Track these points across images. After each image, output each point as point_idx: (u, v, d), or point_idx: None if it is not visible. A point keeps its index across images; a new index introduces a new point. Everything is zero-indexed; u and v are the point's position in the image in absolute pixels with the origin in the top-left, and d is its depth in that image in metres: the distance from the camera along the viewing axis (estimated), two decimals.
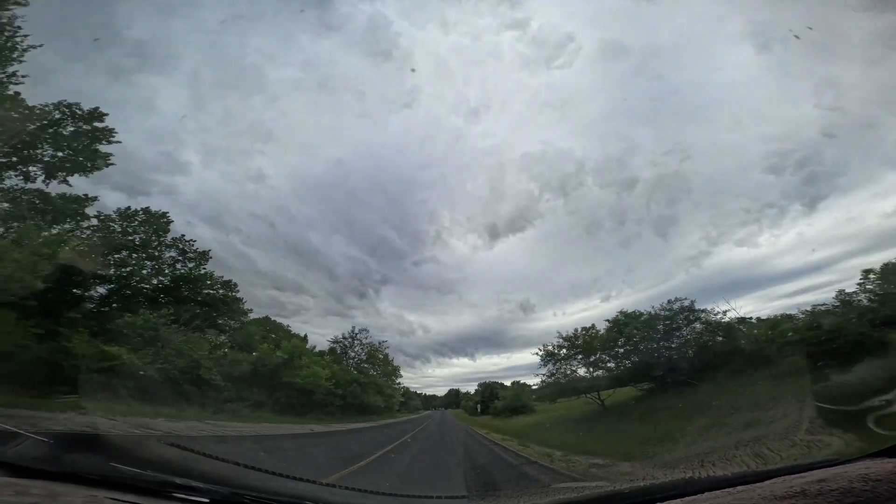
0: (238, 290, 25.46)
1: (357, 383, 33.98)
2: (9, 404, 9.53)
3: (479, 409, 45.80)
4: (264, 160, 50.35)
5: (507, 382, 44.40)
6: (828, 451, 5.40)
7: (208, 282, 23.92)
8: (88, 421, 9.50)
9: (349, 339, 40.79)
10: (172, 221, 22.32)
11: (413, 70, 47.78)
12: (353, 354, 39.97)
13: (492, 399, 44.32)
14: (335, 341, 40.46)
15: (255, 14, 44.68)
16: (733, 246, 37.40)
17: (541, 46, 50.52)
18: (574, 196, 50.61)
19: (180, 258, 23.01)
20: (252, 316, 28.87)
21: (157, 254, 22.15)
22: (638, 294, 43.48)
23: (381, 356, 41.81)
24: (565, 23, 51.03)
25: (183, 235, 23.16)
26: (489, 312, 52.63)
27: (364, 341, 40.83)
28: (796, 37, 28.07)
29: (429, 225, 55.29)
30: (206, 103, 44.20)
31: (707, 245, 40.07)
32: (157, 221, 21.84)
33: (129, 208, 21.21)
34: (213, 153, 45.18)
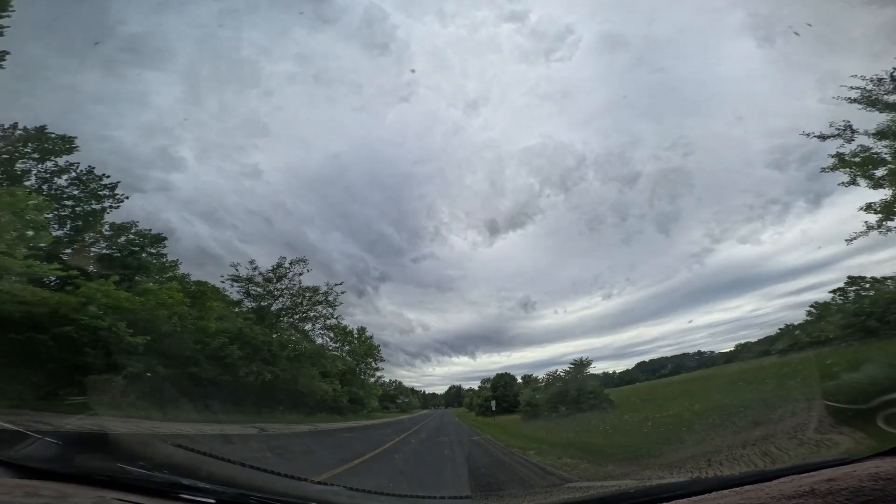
0: (165, 246, 19.46)
1: (257, 346, 17.56)
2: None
3: (493, 408, 35.26)
4: (260, 155, 50.40)
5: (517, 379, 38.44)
6: (837, 449, 5.34)
7: (128, 232, 18.53)
8: None
9: (271, 279, 22.56)
10: (77, 148, 16.71)
11: (413, 71, 47.69)
12: (279, 306, 22.69)
13: (508, 395, 34.84)
14: (235, 278, 21.97)
15: (250, 8, 44.80)
16: (736, 243, 36.94)
17: (540, 38, 50.49)
18: (575, 191, 50.37)
19: (77, 193, 17.09)
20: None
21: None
22: (641, 291, 43.09)
23: (338, 322, 25.70)
24: (564, 15, 50.90)
25: (91, 168, 17.57)
26: (489, 310, 52.30)
27: (298, 277, 22.94)
28: (796, 34, 27.83)
29: (427, 221, 55.21)
30: (201, 98, 44.40)
31: (710, 242, 39.63)
32: (52, 143, 16.52)
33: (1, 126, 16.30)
34: (208, 149, 45.33)
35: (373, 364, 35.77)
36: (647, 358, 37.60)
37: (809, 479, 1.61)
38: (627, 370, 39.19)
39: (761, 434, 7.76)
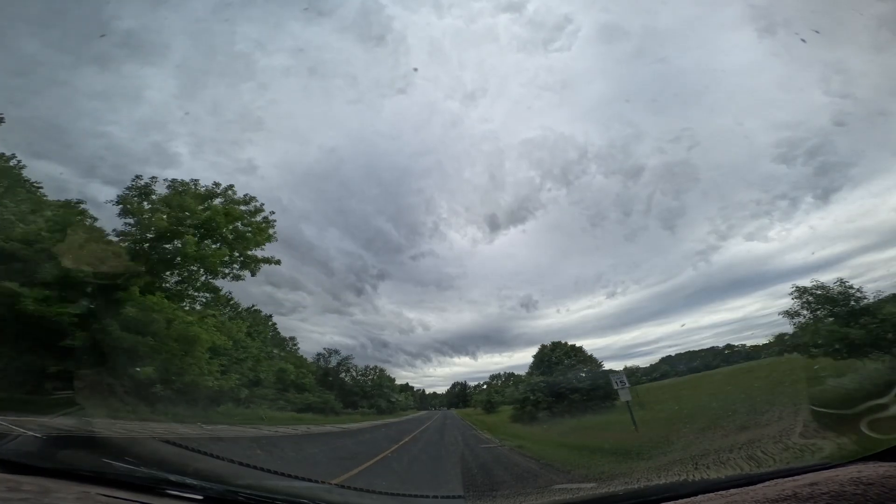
0: None
1: None
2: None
3: (627, 393, 16.29)
4: (255, 150, 49.82)
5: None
6: (820, 454, 5.42)
7: None
8: None
9: None
10: None
11: (416, 69, 47.54)
12: None
13: (562, 382, 20.48)
14: None
15: (245, 1, 44.34)
16: (743, 240, 36.09)
17: (538, 28, 50.15)
18: (577, 185, 50.11)
19: None
20: None
21: None
22: (645, 290, 42.58)
23: None
24: (562, 4, 50.58)
25: None
26: (490, 309, 51.95)
27: None
28: (803, 40, 27.78)
29: (426, 216, 54.71)
30: (196, 93, 43.69)
31: (716, 239, 39.06)
32: None
33: None
34: (202, 144, 44.48)
35: (238, 258, 16.09)
36: (652, 358, 36.02)
37: (792, 483, 1.63)
38: (652, 364, 30.95)
39: (748, 438, 7.86)
